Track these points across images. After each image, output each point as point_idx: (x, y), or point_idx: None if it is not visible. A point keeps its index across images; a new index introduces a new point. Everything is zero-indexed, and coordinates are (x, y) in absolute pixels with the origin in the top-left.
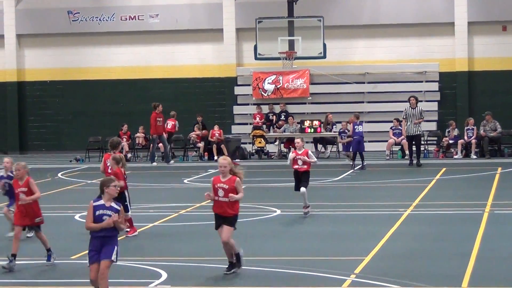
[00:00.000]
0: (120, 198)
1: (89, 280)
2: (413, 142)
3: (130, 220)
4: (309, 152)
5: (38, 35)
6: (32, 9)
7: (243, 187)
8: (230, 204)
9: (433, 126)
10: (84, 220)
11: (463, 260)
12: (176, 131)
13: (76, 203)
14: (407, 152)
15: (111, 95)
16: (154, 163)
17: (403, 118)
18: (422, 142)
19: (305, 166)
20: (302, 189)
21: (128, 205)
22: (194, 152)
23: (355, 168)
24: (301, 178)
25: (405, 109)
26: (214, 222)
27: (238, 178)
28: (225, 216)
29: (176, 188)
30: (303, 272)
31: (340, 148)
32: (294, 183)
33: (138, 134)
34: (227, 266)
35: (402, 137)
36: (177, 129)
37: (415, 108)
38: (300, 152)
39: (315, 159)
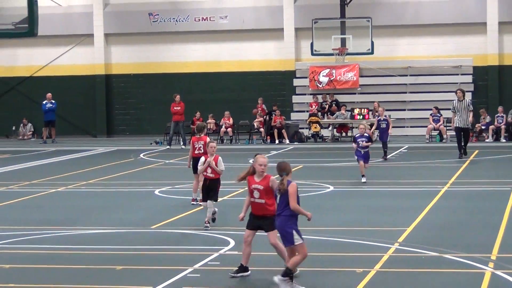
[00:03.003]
0: None
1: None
2: (462, 134)
3: None
4: (220, 159)
5: (123, 34)
6: (118, 12)
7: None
8: (267, 205)
9: None
10: (163, 195)
11: (493, 231)
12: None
13: (156, 180)
14: (444, 136)
15: (185, 86)
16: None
17: (452, 111)
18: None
19: (212, 175)
20: (209, 202)
21: None
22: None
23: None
24: (210, 187)
25: (453, 103)
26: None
27: (272, 177)
28: (264, 216)
29: (243, 167)
30: (353, 241)
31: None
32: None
33: (209, 120)
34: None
35: (440, 123)
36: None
37: (462, 100)
38: (212, 158)
39: (222, 168)
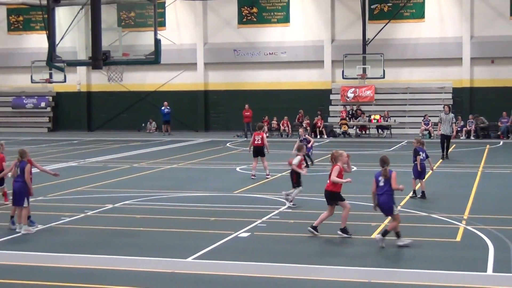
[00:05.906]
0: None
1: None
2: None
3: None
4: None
5: (216, 63)
6: (213, 48)
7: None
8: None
9: None
10: (241, 171)
11: (465, 199)
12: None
13: (237, 161)
14: (432, 134)
15: (258, 99)
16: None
17: (438, 122)
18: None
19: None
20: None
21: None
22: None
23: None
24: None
25: (440, 115)
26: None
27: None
28: None
29: (291, 155)
30: (368, 204)
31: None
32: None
33: (273, 122)
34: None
35: (429, 125)
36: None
37: (448, 114)
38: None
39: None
